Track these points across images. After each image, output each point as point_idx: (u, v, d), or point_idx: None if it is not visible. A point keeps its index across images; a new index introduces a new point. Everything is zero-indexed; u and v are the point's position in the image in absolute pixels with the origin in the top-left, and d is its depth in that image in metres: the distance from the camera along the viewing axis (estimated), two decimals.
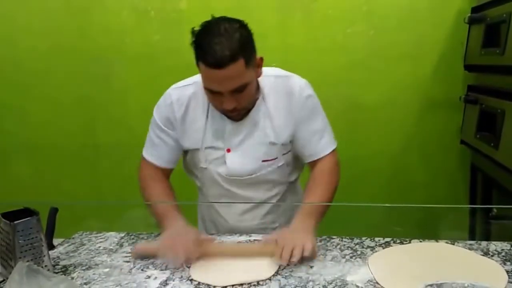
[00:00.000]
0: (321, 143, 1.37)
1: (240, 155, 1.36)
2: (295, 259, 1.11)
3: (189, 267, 1.14)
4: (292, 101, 1.34)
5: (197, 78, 1.32)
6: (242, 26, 1.22)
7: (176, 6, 2.33)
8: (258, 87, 1.33)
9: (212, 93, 1.24)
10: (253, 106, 1.34)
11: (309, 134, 1.37)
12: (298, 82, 1.36)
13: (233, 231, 1.41)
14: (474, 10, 1.99)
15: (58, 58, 2.45)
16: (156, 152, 1.43)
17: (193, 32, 1.23)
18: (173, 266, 1.14)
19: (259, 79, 1.32)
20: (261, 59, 1.28)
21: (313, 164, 1.39)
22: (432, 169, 2.34)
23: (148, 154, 1.45)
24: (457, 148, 2.23)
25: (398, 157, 2.35)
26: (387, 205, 1.30)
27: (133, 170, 2.49)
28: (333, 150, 1.39)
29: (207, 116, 1.36)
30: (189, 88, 1.38)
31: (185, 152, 1.44)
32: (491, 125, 1.77)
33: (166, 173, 1.46)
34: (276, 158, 1.38)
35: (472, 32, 2.03)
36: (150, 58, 2.39)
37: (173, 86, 1.43)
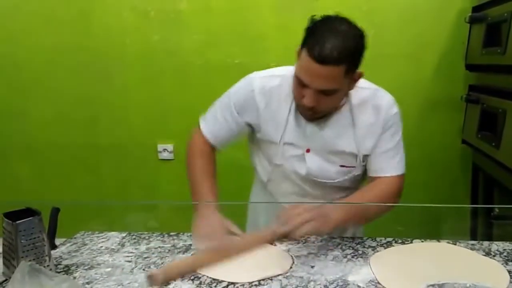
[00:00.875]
0: (391, 162, 1.32)
1: (320, 157, 1.33)
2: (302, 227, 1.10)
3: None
4: (379, 115, 1.30)
5: (285, 71, 1.33)
6: (361, 36, 1.21)
7: (176, 7, 2.33)
8: (346, 95, 1.29)
9: (300, 84, 1.21)
10: (329, 111, 1.29)
11: (383, 149, 1.31)
12: (387, 98, 1.33)
13: None
14: (475, 9, 1.99)
15: (59, 58, 2.46)
16: (215, 129, 1.41)
17: (312, 19, 1.23)
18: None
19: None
20: (360, 74, 1.24)
21: (374, 179, 1.33)
22: (434, 169, 2.34)
23: (207, 127, 1.42)
24: (458, 148, 2.24)
25: None
26: (388, 204, 1.29)
27: (134, 170, 2.52)
28: (400, 176, 1.33)
29: (289, 112, 1.32)
30: (275, 79, 1.34)
31: (256, 143, 1.42)
32: (492, 124, 1.77)
33: (215, 150, 1.44)
34: (355, 167, 1.34)
35: (473, 31, 2.03)
36: (150, 58, 2.40)
37: (259, 73, 1.38)
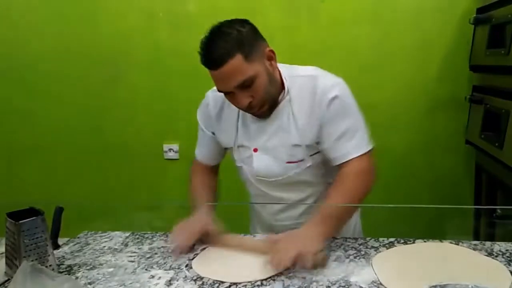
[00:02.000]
0: (348, 145, 1.28)
1: (265, 156, 1.35)
2: (280, 267, 1.09)
3: (190, 260, 1.18)
4: (315, 101, 1.28)
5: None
6: (241, 24, 1.23)
7: (185, 8, 2.34)
8: (282, 83, 1.31)
9: (226, 94, 1.26)
10: (277, 103, 1.30)
11: (335, 136, 1.28)
12: (324, 83, 1.29)
13: (272, 229, 1.42)
14: (479, 11, 1.98)
15: (67, 61, 2.47)
16: (200, 151, 1.53)
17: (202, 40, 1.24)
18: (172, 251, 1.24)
19: (288, 78, 1.32)
20: (272, 51, 1.26)
21: (340, 167, 1.29)
22: (437, 169, 2.33)
23: (196, 152, 1.55)
24: (462, 148, 2.23)
25: (403, 156, 2.34)
26: (391, 205, 1.29)
27: (140, 169, 2.52)
28: (364, 154, 1.29)
29: (238, 116, 1.37)
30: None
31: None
32: (496, 125, 1.76)
33: (212, 167, 1.55)
34: (303, 160, 1.33)
35: (477, 32, 2.02)
36: (158, 60, 2.41)
37: (212, 89, 1.42)
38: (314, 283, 1.03)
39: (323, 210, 1.24)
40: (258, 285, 1.04)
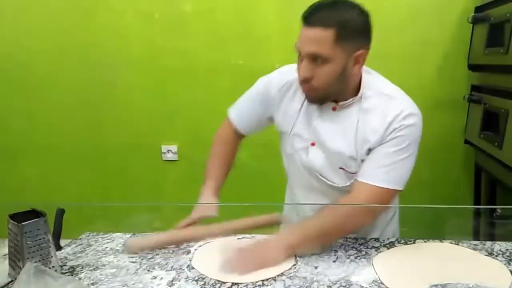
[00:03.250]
0: (377, 170, 1.21)
1: (323, 153, 1.30)
2: (236, 271, 1.10)
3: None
4: (385, 122, 1.21)
5: None
6: (361, 12, 1.22)
7: (181, 8, 2.34)
8: (358, 89, 1.26)
9: (299, 59, 1.21)
10: (334, 100, 1.26)
11: (376, 157, 1.22)
12: (401, 107, 1.23)
13: None
14: (478, 9, 1.99)
15: (64, 60, 2.47)
16: (239, 111, 1.47)
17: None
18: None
19: (367, 88, 1.26)
20: (362, 54, 1.21)
21: (354, 186, 1.24)
22: (436, 168, 2.33)
23: (233, 111, 1.48)
24: (461, 148, 2.23)
25: None
26: (390, 206, 1.29)
27: (139, 170, 2.52)
28: (383, 189, 1.20)
29: (302, 105, 1.32)
30: (293, 73, 1.30)
31: (280, 136, 1.44)
32: (495, 124, 1.77)
33: (240, 136, 1.51)
34: (355, 173, 1.26)
35: (475, 31, 2.03)
36: (154, 60, 2.41)
37: (283, 68, 1.41)
38: (315, 283, 1.04)
39: (306, 222, 1.24)
40: (259, 285, 1.05)
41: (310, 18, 1.17)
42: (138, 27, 2.39)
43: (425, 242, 1.25)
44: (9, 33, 2.50)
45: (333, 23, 1.14)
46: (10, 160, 2.62)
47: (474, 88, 2.07)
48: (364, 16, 1.22)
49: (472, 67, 2.07)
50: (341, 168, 1.28)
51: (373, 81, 1.30)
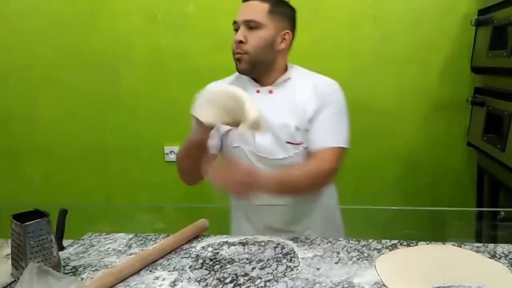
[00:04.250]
0: (328, 134, 1.39)
1: (267, 135, 1.41)
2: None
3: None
4: (317, 92, 1.42)
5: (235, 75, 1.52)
6: (288, 4, 1.48)
7: (184, 10, 2.35)
8: (284, 69, 1.48)
9: (235, 32, 1.41)
10: (262, 70, 1.43)
11: (319, 123, 1.41)
12: (326, 79, 1.48)
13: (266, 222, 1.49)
14: (481, 12, 1.99)
15: (68, 61, 2.48)
16: None
17: None
18: None
19: (291, 69, 1.48)
20: (288, 33, 1.45)
21: (310, 155, 1.41)
22: (439, 171, 2.34)
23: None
24: (464, 150, 2.23)
25: (405, 158, 2.35)
26: (394, 208, 1.30)
27: (142, 172, 2.53)
28: (338, 148, 1.40)
29: None
30: (227, 80, 1.54)
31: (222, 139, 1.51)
32: (498, 127, 1.77)
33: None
34: (301, 143, 1.42)
35: (479, 34, 2.02)
36: (157, 62, 2.42)
37: (213, 82, 1.54)
38: (317, 285, 1.04)
39: (280, 173, 1.35)
40: (261, 286, 1.05)
41: None
42: (141, 29, 2.40)
43: (427, 244, 1.24)
44: (12, 36, 2.52)
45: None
46: (14, 162, 2.63)
47: (477, 90, 2.06)
48: (292, 8, 1.49)
49: (475, 70, 2.07)
50: (287, 142, 1.42)
51: (296, 67, 1.52)
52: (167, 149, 2.50)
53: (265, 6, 1.39)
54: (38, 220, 1.09)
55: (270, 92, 1.46)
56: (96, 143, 2.55)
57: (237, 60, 1.42)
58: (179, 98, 2.42)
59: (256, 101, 1.33)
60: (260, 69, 1.44)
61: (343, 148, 1.41)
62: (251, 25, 1.38)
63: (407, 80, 2.27)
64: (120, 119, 2.50)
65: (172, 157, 2.50)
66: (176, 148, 2.49)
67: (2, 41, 2.53)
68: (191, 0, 2.34)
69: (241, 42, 1.39)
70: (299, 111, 1.41)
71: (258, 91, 1.47)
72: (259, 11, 1.39)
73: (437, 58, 2.24)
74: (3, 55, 2.53)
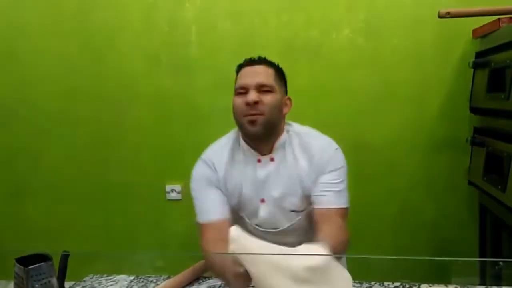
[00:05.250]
0: (333, 196, 1.36)
1: (272, 206, 1.40)
2: None
3: None
4: (314, 156, 1.39)
5: (225, 137, 1.49)
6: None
7: (186, 52, 2.40)
8: (282, 129, 1.43)
9: (241, 94, 1.36)
10: (273, 134, 1.39)
11: (325, 184, 1.37)
12: (321, 140, 1.44)
13: None
14: (478, 55, 2.02)
15: (73, 101, 2.52)
16: (212, 209, 1.40)
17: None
18: None
19: (287, 130, 1.44)
20: (290, 99, 1.45)
21: (319, 213, 1.36)
22: (441, 209, 2.33)
23: (204, 216, 1.39)
24: (465, 188, 2.23)
25: (405, 197, 2.35)
26: (394, 257, 1.30)
27: (142, 209, 2.53)
28: (344, 209, 1.38)
29: (244, 169, 1.42)
30: (218, 144, 1.49)
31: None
32: (498, 168, 1.77)
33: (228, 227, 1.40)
34: (304, 209, 1.41)
35: (476, 76, 2.05)
36: (160, 101, 2.46)
37: (209, 150, 1.48)
38: None
39: None
40: None
41: (252, 61, 1.42)
42: (145, 69, 2.45)
43: (430, 287, 1.24)
44: (22, 75, 2.55)
45: (272, 65, 1.42)
46: (17, 199, 2.63)
47: (477, 130, 2.08)
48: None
49: (474, 110, 2.08)
50: (292, 211, 1.40)
51: (292, 126, 1.48)
52: (168, 187, 2.50)
53: (272, 71, 1.40)
54: (41, 264, 1.09)
55: (272, 160, 1.41)
56: (99, 181, 2.55)
57: (251, 123, 1.34)
58: (181, 137, 2.46)
59: (259, 172, 1.39)
60: (270, 132, 1.39)
61: (348, 208, 1.40)
62: (264, 89, 1.35)
63: (406, 119, 2.30)
64: (123, 157, 2.52)
65: (173, 195, 2.50)
66: (177, 187, 2.49)
67: (12, 79, 2.56)
68: (193, 42, 2.40)
69: (256, 103, 1.33)
70: (301, 178, 1.39)
71: (259, 161, 1.41)
72: (268, 75, 1.38)
73: (435, 97, 2.27)
74: (12, 92, 2.57)
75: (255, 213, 1.41)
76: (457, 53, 2.22)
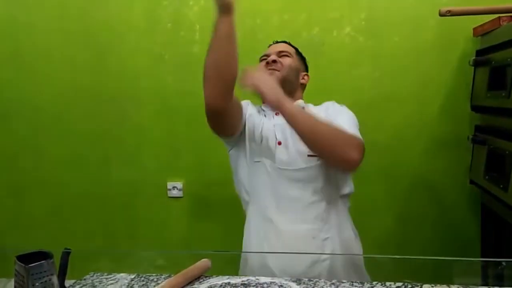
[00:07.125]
0: (348, 128, 1.44)
1: (288, 148, 1.48)
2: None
3: None
4: (329, 107, 1.60)
5: None
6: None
7: (189, 50, 2.40)
8: (300, 97, 1.67)
9: (263, 61, 1.63)
10: (289, 94, 1.48)
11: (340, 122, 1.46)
12: (331, 102, 1.65)
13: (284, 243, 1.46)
14: (479, 53, 2.02)
15: (75, 99, 2.52)
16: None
17: None
18: None
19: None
20: (307, 75, 1.71)
21: None
22: (442, 208, 2.33)
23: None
24: (466, 187, 2.23)
25: (406, 195, 2.35)
26: (396, 257, 1.29)
27: (144, 207, 2.53)
28: (359, 138, 1.45)
29: (264, 116, 1.60)
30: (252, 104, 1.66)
31: (239, 162, 1.59)
32: (500, 166, 1.77)
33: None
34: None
35: (477, 74, 2.05)
36: (163, 99, 2.46)
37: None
38: None
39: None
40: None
41: (274, 41, 1.73)
42: (148, 68, 2.45)
43: (432, 287, 1.23)
44: (23, 76, 2.56)
45: (293, 45, 1.72)
46: (19, 196, 2.63)
47: (478, 128, 2.07)
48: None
49: (475, 108, 2.08)
50: (309, 155, 1.46)
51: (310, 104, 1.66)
52: (169, 184, 2.50)
53: (293, 48, 1.69)
54: (42, 262, 1.08)
55: None
56: (101, 178, 2.55)
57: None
58: (183, 135, 2.46)
59: (276, 122, 1.52)
60: (285, 90, 1.45)
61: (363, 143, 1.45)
62: (283, 54, 1.62)
63: (406, 117, 2.29)
64: (124, 155, 2.52)
65: (175, 192, 2.50)
66: (179, 184, 2.50)
67: (14, 80, 2.57)
68: (197, 41, 2.40)
69: (274, 61, 1.58)
70: None
71: (277, 114, 1.54)
72: (288, 48, 1.66)
73: (436, 96, 2.27)
74: (14, 94, 2.57)
75: (272, 155, 1.49)
76: (458, 51, 2.22)
